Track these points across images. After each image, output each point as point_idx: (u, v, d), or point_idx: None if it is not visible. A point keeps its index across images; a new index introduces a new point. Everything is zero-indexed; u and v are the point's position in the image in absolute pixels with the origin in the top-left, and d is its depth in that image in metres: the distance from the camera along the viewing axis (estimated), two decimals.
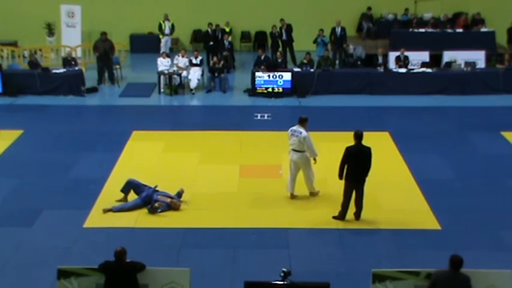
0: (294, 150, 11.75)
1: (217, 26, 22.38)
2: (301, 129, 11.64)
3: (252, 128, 16.07)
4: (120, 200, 11.68)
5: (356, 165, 10.71)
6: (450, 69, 19.78)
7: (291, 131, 11.79)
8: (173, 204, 11.48)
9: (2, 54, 22.38)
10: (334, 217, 11.08)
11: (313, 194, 12.04)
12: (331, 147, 13.00)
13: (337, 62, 21.62)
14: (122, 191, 11.75)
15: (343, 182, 10.92)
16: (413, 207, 11.70)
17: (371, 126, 15.25)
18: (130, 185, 11.76)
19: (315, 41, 21.59)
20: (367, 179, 10.87)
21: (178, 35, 24.67)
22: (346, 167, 10.76)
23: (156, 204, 11.34)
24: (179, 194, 11.79)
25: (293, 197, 11.96)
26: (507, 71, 19.45)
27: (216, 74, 19.57)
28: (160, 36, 22.85)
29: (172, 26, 22.76)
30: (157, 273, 7.98)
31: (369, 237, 10.62)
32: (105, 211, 11.38)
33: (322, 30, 21.75)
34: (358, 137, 10.74)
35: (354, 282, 9.08)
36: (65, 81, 19.05)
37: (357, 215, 11.06)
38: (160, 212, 11.34)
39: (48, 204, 11.65)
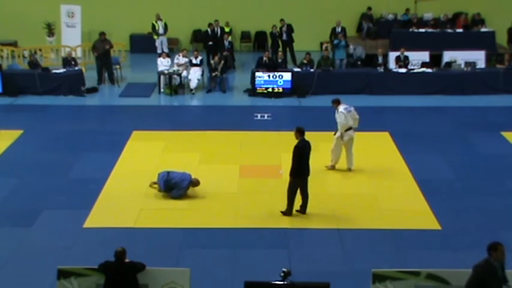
0: (352, 127, 12.80)
1: (216, 21, 22.32)
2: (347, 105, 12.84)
3: (252, 128, 16.05)
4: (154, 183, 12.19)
5: (306, 160, 11.00)
6: (450, 69, 19.78)
7: (346, 109, 12.67)
8: (192, 183, 11.93)
9: (2, 54, 22.40)
10: (282, 212, 11.13)
11: (350, 168, 12.89)
12: (330, 147, 13.07)
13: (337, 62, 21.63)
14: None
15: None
16: (413, 207, 11.69)
17: (371, 126, 15.24)
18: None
19: (337, 45, 21.14)
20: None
21: (178, 35, 24.69)
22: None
23: (154, 185, 12.02)
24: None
25: (350, 170, 12.94)
26: (507, 71, 19.45)
27: (217, 74, 19.57)
28: (155, 37, 22.66)
29: (165, 25, 22.57)
30: (157, 273, 7.99)
31: (369, 237, 10.61)
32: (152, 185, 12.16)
33: (343, 33, 21.67)
34: (302, 133, 11.02)
35: (354, 282, 9.07)
36: (65, 81, 19.05)
37: (304, 208, 11.16)
38: (184, 192, 11.84)
39: (48, 204, 11.64)
